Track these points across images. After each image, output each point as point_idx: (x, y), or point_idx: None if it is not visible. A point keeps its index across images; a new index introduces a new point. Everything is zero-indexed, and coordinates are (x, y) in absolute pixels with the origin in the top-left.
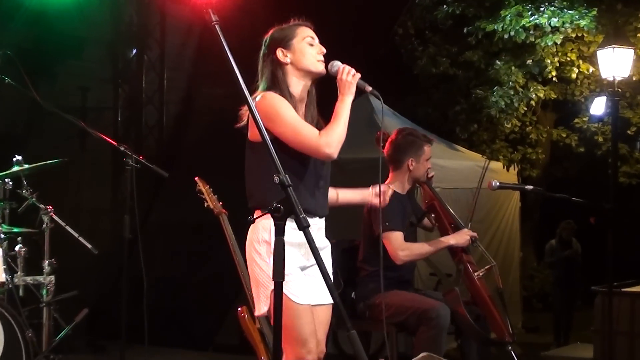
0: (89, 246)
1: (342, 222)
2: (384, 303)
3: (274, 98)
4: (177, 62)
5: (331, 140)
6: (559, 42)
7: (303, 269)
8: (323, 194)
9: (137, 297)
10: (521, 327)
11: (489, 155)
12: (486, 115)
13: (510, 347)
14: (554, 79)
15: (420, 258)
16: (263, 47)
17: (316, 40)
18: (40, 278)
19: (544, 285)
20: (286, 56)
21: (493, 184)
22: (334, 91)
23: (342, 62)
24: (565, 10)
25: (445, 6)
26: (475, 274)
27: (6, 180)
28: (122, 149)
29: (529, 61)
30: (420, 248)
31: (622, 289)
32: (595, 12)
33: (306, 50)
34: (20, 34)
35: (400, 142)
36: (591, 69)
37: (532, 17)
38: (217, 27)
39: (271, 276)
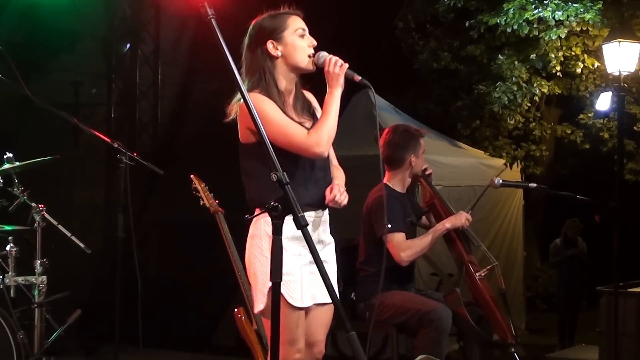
0: (82, 245)
1: (341, 221)
2: (384, 304)
3: (259, 99)
4: (172, 56)
5: (320, 138)
6: (563, 36)
7: (309, 263)
8: (320, 184)
9: (131, 298)
10: (525, 328)
11: (492, 152)
12: (489, 111)
13: (513, 349)
14: (559, 73)
15: (423, 252)
16: (249, 35)
17: (307, 30)
18: (32, 278)
19: (548, 286)
20: (277, 49)
21: (496, 181)
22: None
23: (333, 54)
24: (570, 3)
25: None
26: (477, 274)
27: None
28: (115, 145)
29: (533, 56)
30: (421, 243)
31: (628, 290)
32: (600, 5)
33: (298, 43)
34: (11, 28)
35: (398, 140)
36: (596, 64)
37: (536, 11)
38: (212, 21)
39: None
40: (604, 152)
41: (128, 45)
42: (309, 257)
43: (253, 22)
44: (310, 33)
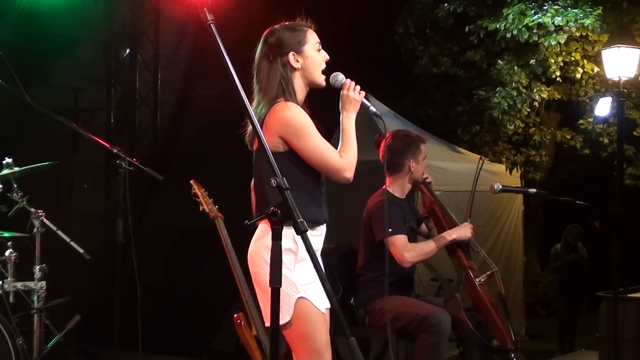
0: (81, 251)
1: (340, 226)
2: (383, 309)
3: (299, 111)
4: (171, 62)
5: (351, 164)
6: (562, 42)
7: None
8: (325, 199)
9: (131, 303)
10: (525, 333)
11: (492, 158)
12: (488, 117)
13: (513, 355)
14: (558, 79)
15: (426, 257)
16: (267, 44)
17: (321, 45)
18: (31, 284)
19: (548, 291)
20: (298, 61)
21: (495, 187)
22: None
23: (333, 66)
24: (569, 8)
25: (446, 4)
26: (477, 279)
27: None
28: (115, 151)
29: (532, 61)
30: (425, 247)
31: (628, 295)
32: (600, 11)
33: (315, 58)
34: (11, 34)
35: (398, 145)
36: (596, 69)
37: (536, 16)
38: (212, 26)
39: (296, 285)
40: (603, 157)
41: (128, 51)
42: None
43: (268, 32)
44: None
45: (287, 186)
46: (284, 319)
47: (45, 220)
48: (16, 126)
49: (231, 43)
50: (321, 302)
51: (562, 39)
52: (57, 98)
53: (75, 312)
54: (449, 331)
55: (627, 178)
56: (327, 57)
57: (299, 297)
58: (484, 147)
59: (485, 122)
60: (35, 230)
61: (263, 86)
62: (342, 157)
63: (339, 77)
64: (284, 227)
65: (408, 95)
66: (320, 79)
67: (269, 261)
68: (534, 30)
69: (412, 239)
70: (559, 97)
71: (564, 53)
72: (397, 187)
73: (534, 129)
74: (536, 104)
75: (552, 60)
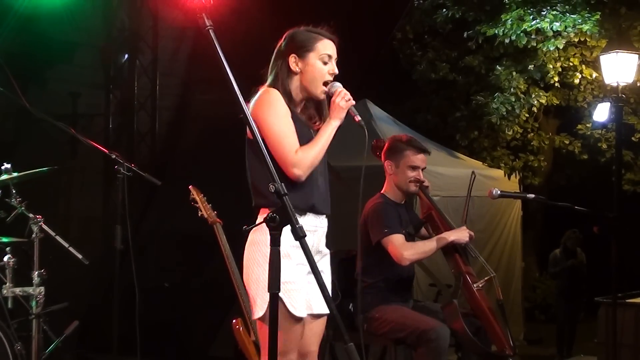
0: (80, 256)
1: (338, 232)
2: (383, 317)
3: (276, 97)
4: (170, 67)
5: (303, 161)
6: (561, 47)
7: (309, 273)
8: (325, 190)
9: (129, 309)
10: (523, 339)
11: (490, 163)
12: (487, 122)
13: None
14: (556, 84)
15: (424, 256)
16: (282, 42)
17: (334, 57)
18: (30, 289)
19: (546, 296)
20: (297, 65)
21: (494, 192)
22: None
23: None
24: (568, 14)
25: (444, 10)
26: (475, 285)
27: None
28: (113, 156)
29: (531, 66)
30: (424, 246)
31: (627, 300)
32: (598, 16)
33: (318, 67)
34: (9, 39)
35: (387, 145)
36: (594, 74)
37: (534, 22)
38: (211, 32)
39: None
40: (602, 162)
41: (126, 56)
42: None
43: (289, 31)
44: None
45: (286, 192)
46: (258, 313)
47: (44, 226)
48: (14, 131)
49: (229, 48)
50: (301, 304)
51: (561, 44)
52: (55, 103)
53: (74, 317)
54: (448, 345)
55: (625, 183)
56: (335, 71)
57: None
58: (482, 152)
59: (483, 127)
60: (33, 235)
61: (269, 74)
62: (297, 153)
63: (334, 85)
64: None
65: (406, 100)
66: (316, 91)
67: (253, 255)
68: (533, 36)
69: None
70: (558, 102)
71: (562, 58)
72: (391, 192)
73: (532, 134)
74: (535, 109)
75: (551, 66)
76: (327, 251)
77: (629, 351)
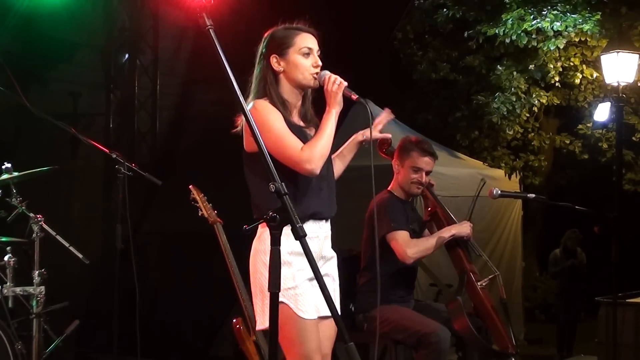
0: (80, 256)
1: (341, 232)
2: (383, 317)
3: (265, 107)
4: (170, 67)
5: (313, 155)
6: (561, 47)
7: (312, 278)
8: (328, 194)
9: (130, 308)
10: (523, 338)
11: (491, 163)
12: (487, 122)
13: (513, 359)
14: (557, 84)
15: (426, 254)
16: (262, 44)
17: (315, 50)
18: (30, 289)
19: (546, 296)
20: (279, 64)
21: (494, 192)
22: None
23: (332, 70)
24: (568, 14)
25: (445, 10)
26: (479, 283)
27: None
28: (114, 156)
29: (531, 66)
30: (426, 242)
31: (627, 300)
32: (599, 16)
33: (299, 62)
34: (10, 38)
35: (398, 145)
36: (595, 74)
37: (534, 21)
38: (211, 31)
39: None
40: (602, 162)
41: (127, 56)
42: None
43: (268, 32)
44: None
45: (286, 191)
46: (266, 323)
47: (44, 225)
48: (15, 131)
49: (230, 48)
50: (309, 307)
51: (561, 44)
52: (56, 103)
53: (74, 317)
54: (448, 348)
55: (626, 183)
56: (319, 62)
57: (279, 302)
58: (483, 152)
59: (484, 127)
60: (34, 235)
61: (252, 86)
62: (303, 150)
63: (322, 73)
64: (265, 228)
65: (407, 100)
66: (306, 82)
67: (256, 265)
68: (533, 36)
69: None
70: (558, 102)
71: (563, 58)
72: (398, 190)
73: (533, 134)
74: (535, 109)
75: (551, 66)
76: (333, 254)
77: (629, 351)
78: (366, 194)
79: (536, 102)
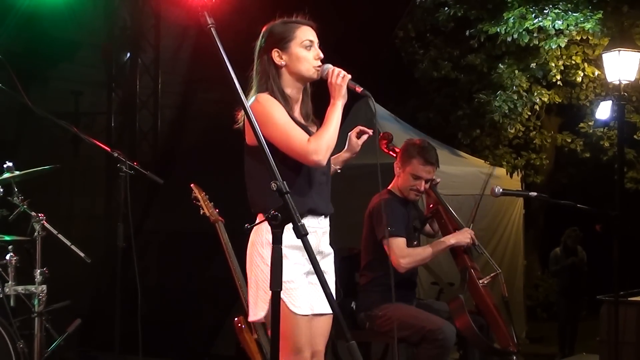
0: (82, 255)
1: (341, 230)
2: (386, 316)
3: (268, 100)
4: (172, 65)
5: (319, 147)
6: (563, 45)
7: (308, 274)
8: (327, 190)
9: (131, 307)
10: (525, 337)
11: (492, 161)
12: (489, 120)
13: (514, 358)
14: (559, 82)
15: (422, 263)
16: (261, 39)
17: (315, 42)
18: (32, 288)
19: (548, 295)
20: (281, 58)
21: (496, 190)
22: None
23: (334, 65)
24: (570, 12)
25: (446, 8)
26: (480, 281)
27: None
28: (115, 155)
29: (533, 65)
30: (422, 253)
31: (629, 299)
32: (600, 15)
33: (302, 55)
34: (11, 37)
35: (402, 147)
36: (597, 73)
37: (536, 20)
38: (212, 30)
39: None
40: (604, 160)
41: (128, 55)
42: (309, 266)
43: (266, 26)
44: None
45: (288, 190)
46: (258, 314)
47: (46, 224)
48: (17, 130)
49: (231, 46)
50: (303, 303)
51: (563, 42)
52: (57, 102)
53: (76, 316)
54: (453, 344)
55: (627, 181)
56: (321, 55)
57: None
58: (484, 150)
59: (485, 125)
60: (36, 234)
61: (255, 79)
62: (310, 141)
63: (325, 67)
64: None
65: (409, 99)
66: (308, 74)
67: (252, 257)
68: (535, 34)
69: (416, 239)
70: (560, 100)
71: (564, 57)
72: (398, 189)
73: (534, 132)
74: (537, 107)
75: (553, 64)
76: (330, 251)
77: (631, 349)
78: (367, 192)
79: (538, 100)
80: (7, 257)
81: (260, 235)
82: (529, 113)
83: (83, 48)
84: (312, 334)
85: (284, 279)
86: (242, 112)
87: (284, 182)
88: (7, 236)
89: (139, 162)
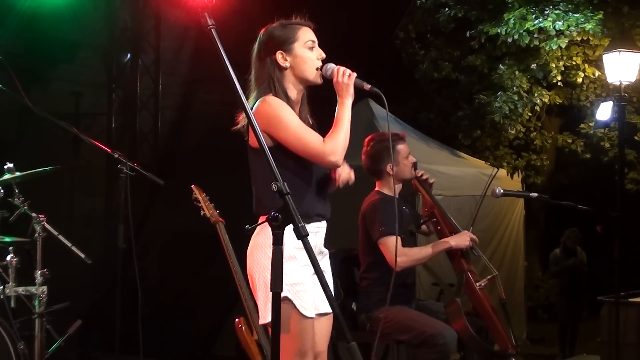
0: (82, 256)
1: (339, 231)
2: (388, 318)
3: (277, 103)
4: (172, 66)
5: (336, 147)
6: (563, 46)
7: (311, 275)
8: (324, 194)
9: (132, 308)
10: (526, 338)
11: (493, 162)
12: (490, 121)
13: (513, 359)
14: (559, 83)
15: (419, 263)
16: (259, 42)
17: (316, 43)
18: (32, 289)
19: (549, 295)
20: (286, 60)
21: (497, 191)
22: (328, 91)
23: (337, 64)
24: (570, 13)
25: (447, 9)
26: (477, 284)
27: None
28: (116, 155)
29: (534, 65)
30: (419, 253)
31: (629, 299)
32: (601, 16)
33: (307, 56)
34: (12, 38)
35: (372, 151)
36: (597, 73)
37: (537, 21)
38: (213, 31)
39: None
40: (604, 161)
41: (128, 55)
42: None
43: (263, 30)
44: None
45: (288, 191)
46: (267, 317)
47: (47, 225)
48: (17, 131)
49: (232, 47)
50: (310, 305)
51: (563, 43)
52: (57, 103)
53: (77, 316)
54: (454, 350)
55: (628, 182)
56: (323, 55)
57: (282, 297)
58: (485, 151)
59: (486, 126)
60: (36, 235)
61: (255, 83)
62: (326, 142)
63: (328, 67)
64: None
65: (409, 99)
66: (313, 77)
67: (259, 259)
68: (535, 35)
69: (412, 243)
70: (560, 101)
71: (565, 57)
72: (387, 189)
73: (535, 133)
74: (537, 108)
75: (553, 65)
76: (327, 251)
77: (632, 350)
78: (367, 194)
79: (538, 101)
80: (8, 258)
81: (268, 237)
82: (530, 114)
83: (83, 49)
84: (315, 334)
85: (294, 280)
86: (242, 114)
87: (285, 183)
88: (8, 237)
89: (140, 163)
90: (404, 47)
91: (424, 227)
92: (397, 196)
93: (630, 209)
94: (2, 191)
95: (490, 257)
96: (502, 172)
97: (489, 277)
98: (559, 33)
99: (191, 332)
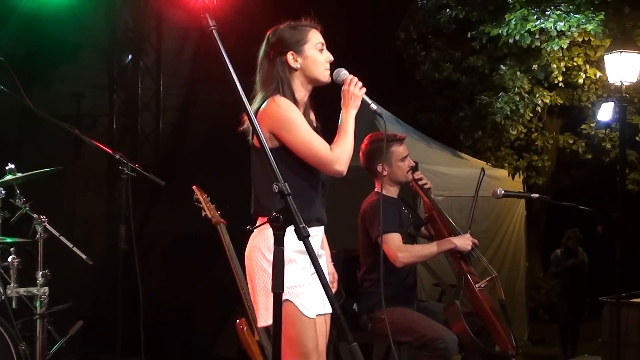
0: (84, 257)
1: (341, 232)
2: (389, 319)
3: (287, 105)
4: (173, 67)
5: (343, 156)
6: (565, 47)
7: (312, 275)
8: (324, 200)
9: (133, 309)
10: (527, 338)
11: (494, 163)
12: (491, 122)
13: None
14: (560, 84)
15: (421, 260)
16: (268, 43)
17: (325, 46)
18: (34, 289)
19: (550, 296)
20: (296, 61)
21: (498, 192)
22: (329, 93)
23: (349, 72)
24: (572, 14)
25: (448, 10)
26: (477, 285)
27: None
28: (117, 157)
29: (535, 66)
30: (421, 250)
31: (631, 300)
32: (602, 16)
33: (317, 57)
34: (13, 40)
35: (366, 150)
36: (598, 74)
37: (538, 21)
38: (214, 32)
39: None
40: (606, 162)
41: (130, 57)
42: (312, 269)
43: (271, 31)
44: None
45: (289, 192)
46: (269, 320)
47: (48, 226)
48: (18, 132)
49: (233, 48)
50: (311, 306)
51: (565, 44)
52: (59, 104)
53: (78, 317)
54: (455, 354)
55: (629, 183)
56: (331, 57)
57: (284, 300)
58: (486, 152)
59: (487, 127)
60: (37, 236)
61: (262, 84)
62: (333, 150)
63: (342, 72)
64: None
65: (410, 100)
66: (322, 77)
67: (257, 261)
68: (536, 36)
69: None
70: (562, 102)
71: (566, 58)
72: (385, 189)
73: (536, 134)
74: (538, 109)
75: (555, 66)
76: (323, 252)
77: (633, 351)
78: (366, 194)
79: (539, 102)
80: (9, 259)
81: (267, 240)
82: (531, 114)
83: (85, 50)
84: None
85: (293, 283)
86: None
87: (286, 184)
88: (9, 238)
89: (141, 164)
90: (405, 48)
91: (425, 230)
92: (397, 196)
93: (632, 210)
94: (3, 192)
95: (491, 258)
96: (504, 172)
97: (488, 278)
98: (560, 34)
99: (192, 333)
